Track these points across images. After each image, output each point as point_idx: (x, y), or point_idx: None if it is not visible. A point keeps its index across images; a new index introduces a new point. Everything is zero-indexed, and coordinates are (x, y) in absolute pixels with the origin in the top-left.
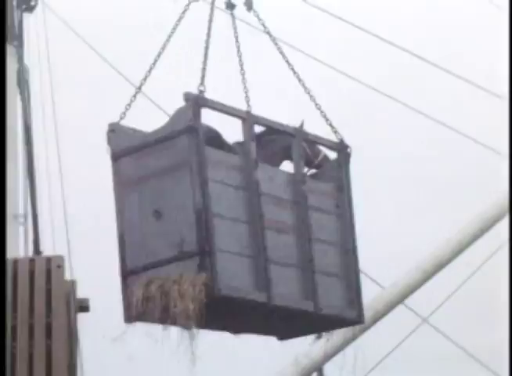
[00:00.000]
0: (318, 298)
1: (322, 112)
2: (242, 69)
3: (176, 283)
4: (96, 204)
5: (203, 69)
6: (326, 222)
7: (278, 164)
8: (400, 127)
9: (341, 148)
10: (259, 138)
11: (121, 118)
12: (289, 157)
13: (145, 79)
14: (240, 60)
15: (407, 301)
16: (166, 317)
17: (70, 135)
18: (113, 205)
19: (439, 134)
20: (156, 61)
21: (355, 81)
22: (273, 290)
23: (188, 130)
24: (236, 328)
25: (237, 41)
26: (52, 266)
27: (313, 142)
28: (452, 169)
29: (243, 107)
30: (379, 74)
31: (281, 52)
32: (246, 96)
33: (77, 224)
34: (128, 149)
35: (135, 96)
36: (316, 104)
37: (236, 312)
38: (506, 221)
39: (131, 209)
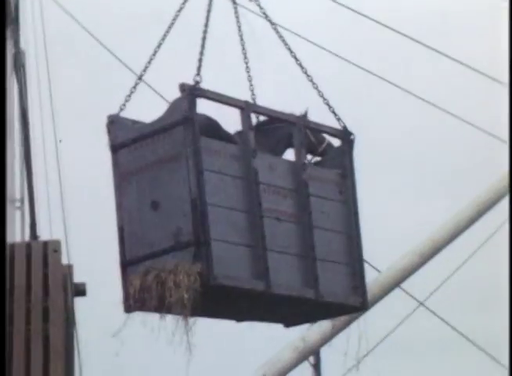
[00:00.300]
0: (319, 286)
1: (325, 99)
2: (245, 57)
3: (172, 273)
4: (94, 188)
5: (200, 59)
6: (329, 209)
7: (282, 151)
8: (396, 110)
9: (345, 135)
10: (262, 126)
11: (121, 109)
12: (293, 145)
13: (145, 70)
14: (243, 49)
15: (403, 284)
16: (162, 307)
17: (67, 118)
18: (111, 189)
19: (437, 118)
20: (156, 52)
21: (351, 64)
22: (272, 278)
23: (184, 121)
24: (239, 316)
25: (240, 30)
26: (49, 251)
27: (316, 129)
28: (450, 153)
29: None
30: (375, 57)
31: (283, 40)
32: (251, 85)
33: (75, 208)
34: (126, 140)
35: (135, 87)
36: (319, 92)
37: (235, 300)
38: (502, 205)
39: (129, 200)
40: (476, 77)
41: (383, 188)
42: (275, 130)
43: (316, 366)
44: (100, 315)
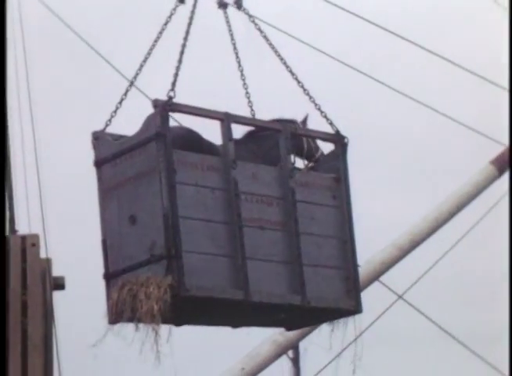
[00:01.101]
0: (307, 292)
1: (316, 105)
2: (240, 65)
3: (143, 286)
4: (73, 182)
5: (176, 74)
6: (320, 214)
7: (278, 158)
8: (384, 107)
9: (338, 139)
10: (254, 134)
11: (107, 125)
12: (293, 152)
13: (135, 76)
14: (237, 57)
15: (383, 277)
16: (134, 318)
17: (45, 111)
18: (91, 183)
19: (425, 115)
20: (146, 59)
21: (342, 63)
22: (253, 287)
23: (156, 136)
24: (233, 323)
25: (233, 39)
26: (28, 245)
27: (310, 135)
28: (432, 149)
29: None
30: (365, 56)
31: (274, 50)
32: (247, 93)
33: (54, 202)
34: (107, 156)
35: (120, 103)
36: (310, 97)
37: (218, 309)
38: (481, 199)
39: (111, 214)
40: (462, 75)
41: (362, 181)
42: (269, 137)
43: (295, 361)
44: (79, 309)
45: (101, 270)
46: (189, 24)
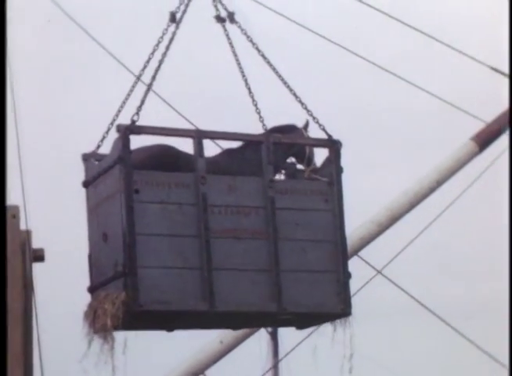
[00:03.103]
0: (283, 299)
1: (308, 111)
2: (244, 75)
3: (101, 303)
4: (54, 153)
5: (142, 101)
6: (308, 219)
7: (278, 164)
8: (366, 82)
9: (331, 144)
10: (248, 145)
11: (99, 146)
12: (290, 155)
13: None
14: (240, 68)
15: (361, 252)
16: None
17: (25, 80)
18: (72, 156)
19: (407, 91)
20: (145, 67)
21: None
22: (222, 297)
23: (118, 160)
24: (203, 327)
25: (235, 54)
26: (8, 216)
27: (302, 143)
28: (413, 124)
29: None
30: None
31: (267, 60)
32: (254, 101)
33: (34, 174)
34: (91, 177)
35: (112, 124)
36: (302, 104)
37: (184, 319)
38: (462, 173)
39: (93, 231)
40: (445, 52)
41: (341, 156)
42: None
43: (273, 334)
44: (59, 281)
45: (81, 244)
46: (170, 40)
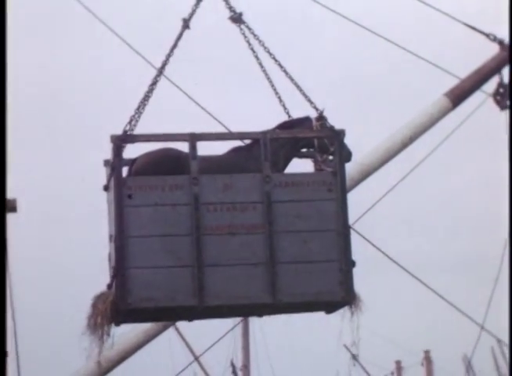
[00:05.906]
0: (280, 290)
1: (312, 103)
2: (266, 74)
3: (96, 302)
4: (30, 103)
5: (137, 109)
6: (311, 210)
7: (277, 161)
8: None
9: (334, 135)
10: (255, 143)
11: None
12: (303, 146)
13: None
14: (262, 67)
15: None
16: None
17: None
18: (46, 105)
19: (384, 48)
20: (159, 76)
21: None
22: (213, 291)
23: (112, 169)
24: (195, 318)
25: (254, 51)
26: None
27: (307, 136)
28: (388, 80)
29: None
30: None
31: (275, 59)
32: (279, 97)
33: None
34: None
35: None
36: (306, 96)
37: (175, 313)
38: (434, 130)
39: (108, 232)
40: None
41: (315, 112)
42: (272, 141)
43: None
44: (32, 231)
45: (53, 194)
46: (168, 55)
